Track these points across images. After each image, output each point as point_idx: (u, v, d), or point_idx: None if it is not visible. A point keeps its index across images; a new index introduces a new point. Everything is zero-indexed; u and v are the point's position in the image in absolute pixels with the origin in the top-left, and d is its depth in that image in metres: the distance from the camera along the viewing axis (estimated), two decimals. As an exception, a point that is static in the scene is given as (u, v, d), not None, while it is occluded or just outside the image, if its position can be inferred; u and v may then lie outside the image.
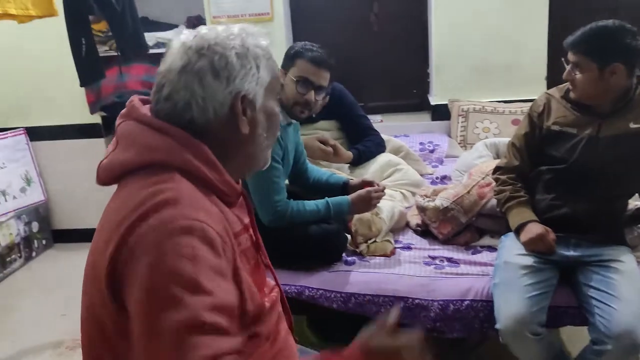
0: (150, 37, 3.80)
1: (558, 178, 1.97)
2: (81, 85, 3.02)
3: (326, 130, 2.97)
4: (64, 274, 3.49)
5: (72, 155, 3.86)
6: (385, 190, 2.58)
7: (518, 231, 1.97)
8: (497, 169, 2.15)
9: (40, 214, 3.90)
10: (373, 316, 2.00)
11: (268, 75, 1.10)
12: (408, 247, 2.29)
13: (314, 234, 2.08)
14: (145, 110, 1.08)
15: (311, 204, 2.14)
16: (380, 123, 3.85)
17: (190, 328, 0.87)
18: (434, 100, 3.77)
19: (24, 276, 3.60)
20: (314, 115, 2.89)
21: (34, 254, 3.81)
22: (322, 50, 2.12)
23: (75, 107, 3.75)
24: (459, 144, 3.56)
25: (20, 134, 3.86)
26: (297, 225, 2.09)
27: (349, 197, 2.17)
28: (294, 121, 2.21)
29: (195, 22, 3.84)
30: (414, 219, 2.46)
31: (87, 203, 3.84)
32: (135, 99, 1.10)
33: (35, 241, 3.84)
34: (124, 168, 1.02)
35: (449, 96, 3.70)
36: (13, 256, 3.62)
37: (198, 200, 0.98)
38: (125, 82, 3.69)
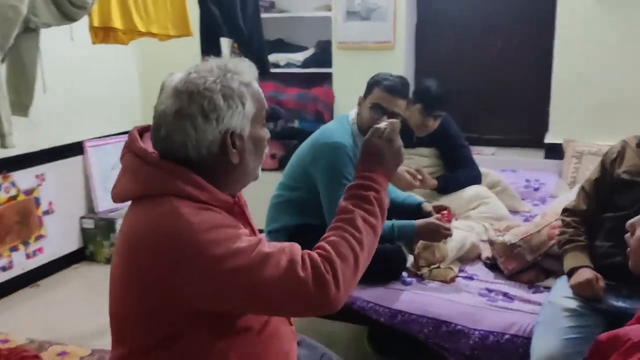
0: (282, 58, 4.18)
1: (619, 226, 1.92)
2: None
3: (423, 157, 3.08)
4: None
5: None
6: (466, 222, 2.69)
7: (570, 274, 1.96)
8: (564, 211, 2.15)
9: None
10: (416, 335, 2.11)
11: (253, 108, 1.24)
12: (470, 278, 2.35)
13: (372, 252, 2.22)
14: (141, 143, 1.24)
15: (376, 223, 2.28)
16: (491, 156, 3.86)
17: (263, 260, 1.13)
18: (549, 138, 3.71)
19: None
20: (414, 141, 3.05)
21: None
22: (400, 80, 2.27)
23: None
24: (569, 185, 3.46)
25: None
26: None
27: (416, 224, 2.27)
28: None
29: (323, 45, 4.16)
30: (487, 251, 2.49)
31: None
32: (134, 132, 1.28)
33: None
34: (131, 196, 1.24)
35: (565, 135, 3.62)
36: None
37: (195, 210, 1.18)
38: (255, 96, 4.08)
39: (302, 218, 2.36)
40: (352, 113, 2.38)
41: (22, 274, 3.64)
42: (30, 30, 2.40)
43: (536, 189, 3.41)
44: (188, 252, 1.12)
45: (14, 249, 3.59)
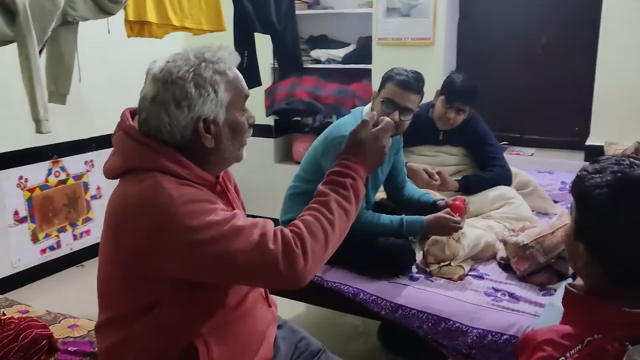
0: (323, 54, 4.23)
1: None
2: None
3: (450, 155, 3.05)
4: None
5: (246, 151, 4.45)
6: (486, 221, 2.65)
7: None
8: (575, 213, 2.08)
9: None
10: (416, 330, 2.11)
11: (228, 95, 1.30)
12: (481, 277, 2.32)
13: (379, 246, 2.24)
14: (131, 121, 1.33)
15: (386, 218, 2.30)
16: (530, 157, 3.77)
17: (235, 233, 1.21)
18: (590, 140, 3.58)
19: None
20: (441, 138, 3.02)
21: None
22: (413, 75, 2.26)
23: (254, 109, 4.30)
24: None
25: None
26: (368, 235, 2.27)
27: (425, 219, 2.28)
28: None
29: (364, 41, 4.17)
30: (502, 252, 2.45)
31: (254, 192, 4.34)
32: (126, 111, 1.36)
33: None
34: (118, 171, 1.32)
35: (607, 138, 3.48)
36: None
37: (176, 185, 1.25)
38: (295, 91, 4.15)
39: (314, 210, 2.40)
40: (367, 107, 2.39)
41: (69, 254, 3.87)
42: (68, 23, 2.55)
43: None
44: (166, 222, 1.20)
45: (61, 230, 3.82)
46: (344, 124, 2.33)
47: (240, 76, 1.37)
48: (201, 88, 1.26)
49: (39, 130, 2.45)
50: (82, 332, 1.93)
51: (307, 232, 1.24)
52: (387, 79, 2.30)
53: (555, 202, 3.21)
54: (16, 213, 3.52)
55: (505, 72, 3.97)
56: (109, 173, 1.36)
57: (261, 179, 4.34)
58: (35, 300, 3.36)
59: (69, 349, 1.82)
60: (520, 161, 3.58)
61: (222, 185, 1.42)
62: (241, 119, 1.35)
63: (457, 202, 2.36)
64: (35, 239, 3.65)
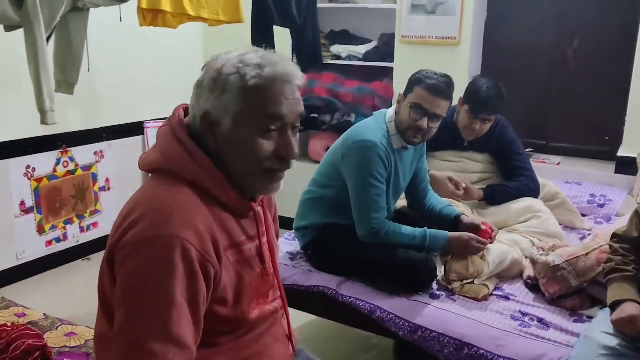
0: (344, 50, 4.07)
1: (674, 259, 1.70)
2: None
3: (474, 162, 2.89)
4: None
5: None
6: (512, 235, 2.50)
7: (613, 308, 1.75)
8: (613, 236, 1.93)
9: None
10: (437, 355, 1.96)
11: (238, 105, 1.13)
12: (506, 298, 2.16)
13: (398, 259, 2.10)
14: (182, 117, 1.22)
15: (409, 230, 2.16)
16: (557, 166, 3.60)
17: (156, 337, 1.03)
18: (622, 151, 3.40)
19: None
20: (466, 144, 2.86)
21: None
22: (443, 79, 2.11)
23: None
24: (638, 204, 3.15)
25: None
26: (388, 247, 2.14)
27: (449, 236, 2.15)
28: (409, 146, 2.24)
29: (386, 39, 4.01)
30: (529, 270, 2.30)
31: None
32: (180, 107, 1.26)
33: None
34: (153, 167, 1.19)
35: (640, 149, 3.31)
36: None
37: (192, 216, 1.10)
38: (313, 87, 3.99)
39: (330, 217, 2.27)
40: (390, 111, 2.25)
41: (76, 247, 3.76)
42: (78, 9, 2.42)
43: (601, 206, 3.13)
44: (146, 257, 1.07)
45: (68, 221, 3.71)
46: (366, 128, 2.19)
47: (277, 94, 1.14)
48: (214, 83, 1.16)
49: (43, 121, 2.34)
50: (79, 342, 1.81)
51: None
52: (415, 82, 2.15)
53: (583, 215, 3.04)
54: (22, 203, 3.41)
55: (534, 75, 3.79)
56: (144, 166, 1.23)
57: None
58: (39, 293, 3.28)
59: (64, 360, 1.70)
60: (546, 170, 3.42)
61: (257, 212, 1.26)
62: (253, 139, 1.14)
63: (486, 228, 2.22)
64: (41, 230, 3.55)
